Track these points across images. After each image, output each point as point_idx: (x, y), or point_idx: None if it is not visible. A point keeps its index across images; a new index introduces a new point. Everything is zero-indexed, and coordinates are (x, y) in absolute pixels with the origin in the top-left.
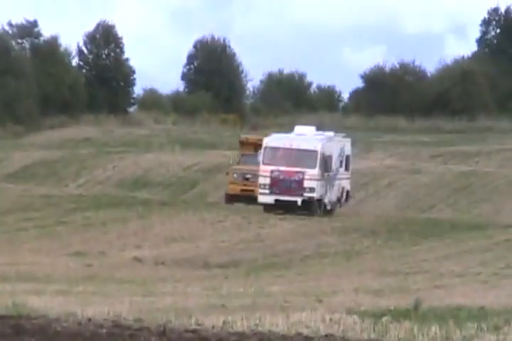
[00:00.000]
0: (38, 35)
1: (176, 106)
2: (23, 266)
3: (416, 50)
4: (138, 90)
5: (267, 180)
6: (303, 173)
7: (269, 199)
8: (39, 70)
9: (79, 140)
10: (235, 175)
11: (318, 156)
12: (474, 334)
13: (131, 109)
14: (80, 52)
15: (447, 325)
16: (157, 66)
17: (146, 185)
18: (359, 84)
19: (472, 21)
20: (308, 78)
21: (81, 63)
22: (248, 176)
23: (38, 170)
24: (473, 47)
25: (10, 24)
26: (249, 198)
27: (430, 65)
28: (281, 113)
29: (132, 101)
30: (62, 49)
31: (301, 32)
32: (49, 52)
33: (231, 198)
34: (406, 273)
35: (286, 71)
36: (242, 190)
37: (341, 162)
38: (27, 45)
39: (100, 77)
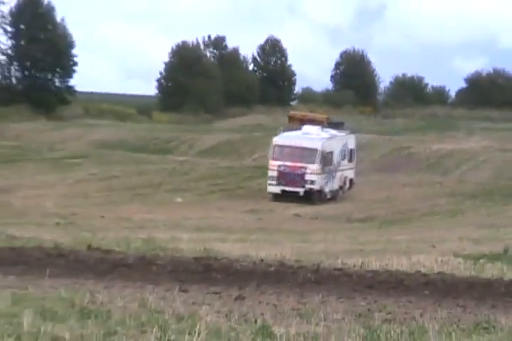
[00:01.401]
0: (225, 47)
1: (326, 100)
2: (211, 220)
3: (508, 60)
4: (298, 88)
5: (275, 173)
6: (305, 168)
7: (277, 189)
8: (224, 73)
9: (253, 125)
10: None
11: (318, 154)
12: None
13: (293, 103)
14: (255, 59)
15: None
16: (312, 70)
17: None
18: (463, 85)
19: None
20: (426, 80)
21: (255, 68)
22: None
23: (222, 148)
24: None
25: (208, 37)
26: None
27: None
28: (405, 106)
29: (293, 96)
30: (241, 57)
31: (422, 45)
32: (232, 59)
33: None
34: (498, 226)
35: (409, 75)
36: None
37: (344, 155)
38: (216, 54)
39: (269, 78)
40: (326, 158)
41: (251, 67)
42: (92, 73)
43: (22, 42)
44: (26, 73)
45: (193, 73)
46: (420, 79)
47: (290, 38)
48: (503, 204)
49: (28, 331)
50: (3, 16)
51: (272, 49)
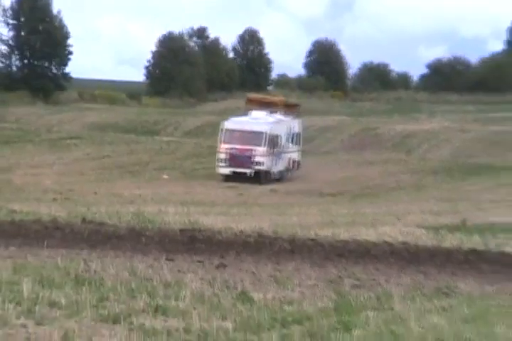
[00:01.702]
0: (207, 37)
1: (299, 86)
2: (195, 195)
3: (467, 48)
4: (274, 75)
5: (225, 156)
6: (253, 150)
7: (227, 170)
8: (206, 61)
9: (233, 109)
10: None
11: (265, 137)
12: (504, 242)
13: (269, 88)
14: (234, 49)
15: (485, 235)
16: (288, 58)
17: None
18: (426, 71)
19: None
20: (391, 67)
21: (235, 56)
22: None
23: (205, 129)
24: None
25: (191, 29)
26: None
27: (475, 59)
28: (372, 91)
29: (270, 82)
30: (222, 46)
31: (388, 35)
32: (213, 48)
33: None
34: (457, 200)
35: (375, 62)
36: None
37: (290, 139)
38: (199, 44)
39: (248, 65)
40: (273, 141)
41: (231, 55)
42: (86, 61)
43: (22, 33)
44: (26, 62)
45: (178, 61)
46: (386, 66)
47: (268, 29)
48: (461, 180)
49: (27, 297)
50: (4, 10)
51: (251, 39)
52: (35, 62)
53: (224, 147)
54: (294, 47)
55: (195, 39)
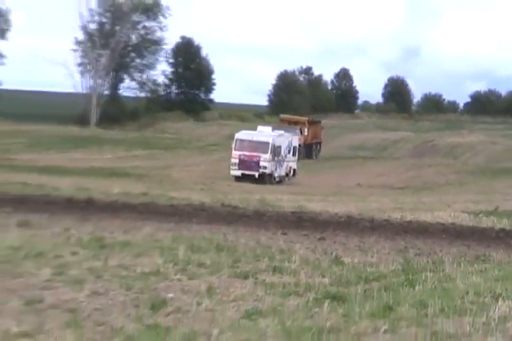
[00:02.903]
0: (312, 73)
1: (377, 110)
2: (302, 187)
3: (499, 83)
4: (360, 102)
5: (237, 161)
6: (259, 157)
7: (238, 173)
8: (311, 91)
9: (330, 126)
10: None
11: (270, 146)
12: None
13: (357, 111)
14: (332, 82)
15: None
16: (370, 89)
17: (361, 148)
18: (468, 99)
19: None
20: (444, 96)
21: (332, 88)
22: None
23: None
24: None
25: (300, 68)
26: None
27: (505, 91)
28: (430, 114)
29: (357, 107)
30: (323, 81)
31: (444, 72)
32: (316, 82)
33: None
34: (490, 193)
35: (433, 93)
36: None
37: (289, 150)
38: (306, 79)
39: (341, 94)
40: (276, 150)
41: (329, 87)
42: (224, 89)
43: (179, 70)
44: (182, 90)
45: (291, 91)
46: (440, 96)
47: (356, 68)
48: (492, 178)
49: (182, 259)
50: (167, 52)
51: (343, 75)
52: (189, 91)
53: (236, 153)
54: (375, 82)
55: (303, 75)
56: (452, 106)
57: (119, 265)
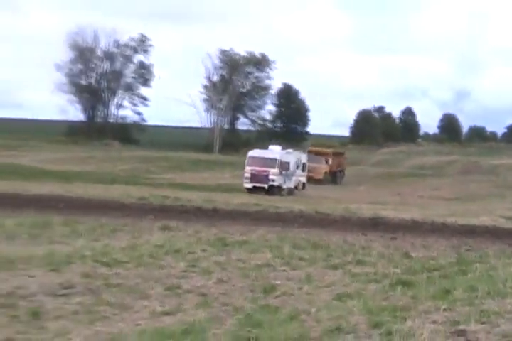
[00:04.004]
0: (384, 111)
1: (434, 139)
2: (377, 198)
3: None
4: (421, 132)
5: (249, 175)
6: (268, 171)
7: (250, 185)
8: (383, 125)
9: (396, 152)
10: None
11: (277, 162)
12: None
13: (419, 140)
14: (400, 118)
15: None
16: (429, 123)
17: (422, 168)
18: (506, 130)
19: None
20: (487, 128)
21: (399, 122)
22: (310, 168)
23: (383, 162)
24: None
25: (374, 107)
26: (311, 180)
27: None
28: (476, 142)
29: (418, 136)
30: (391, 117)
31: (488, 108)
32: (387, 118)
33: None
34: None
35: (478, 125)
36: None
37: (298, 166)
38: (379, 115)
39: (406, 127)
40: (283, 165)
41: (397, 121)
42: (317, 123)
43: (282, 109)
44: (284, 124)
45: (367, 125)
46: (483, 128)
47: (419, 106)
48: None
49: (286, 254)
50: (273, 96)
51: (408, 112)
52: (289, 125)
53: (248, 169)
54: (433, 116)
55: (377, 113)
56: (493, 136)
57: (238, 259)
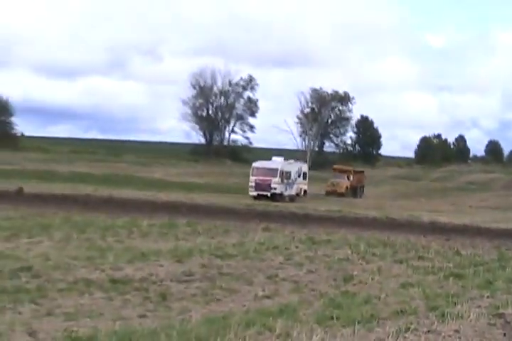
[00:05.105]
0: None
1: (482, 161)
2: (434, 207)
3: None
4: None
5: (253, 184)
6: (270, 180)
7: (254, 193)
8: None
9: (449, 171)
10: (329, 183)
11: (279, 171)
12: None
13: (469, 161)
14: (452, 143)
15: None
16: (473, 147)
17: (471, 184)
18: None
19: None
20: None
21: (453, 147)
22: (334, 183)
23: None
24: None
25: (433, 134)
26: (334, 193)
27: None
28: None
29: (468, 159)
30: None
31: None
32: (440, 145)
33: (327, 193)
34: None
35: None
36: (331, 189)
37: (300, 175)
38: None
39: (461, 152)
40: (285, 175)
41: (451, 146)
42: (387, 147)
43: (360, 135)
44: (361, 148)
45: (428, 149)
46: None
47: (470, 133)
48: None
49: (362, 251)
50: (353, 125)
51: (461, 139)
52: (366, 148)
53: (253, 178)
54: (481, 142)
55: (436, 139)
56: None
57: (324, 254)
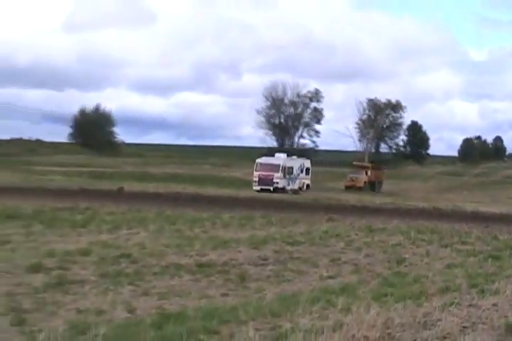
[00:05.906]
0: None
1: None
2: (477, 198)
3: None
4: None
5: (257, 179)
6: (273, 175)
7: (258, 188)
8: None
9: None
10: (348, 178)
11: (281, 167)
12: None
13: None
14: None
15: None
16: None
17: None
18: None
19: None
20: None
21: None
22: (353, 178)
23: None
24: None
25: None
26: (353, 187)
27: None
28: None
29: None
30: None
31: None
32: None
33: (347, 187)
34: None
35: None
36: (350, 184)
37: (302, 170)
38: None
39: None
40: (287, 170)
41: (490, 146)
42: (434, 148)
43: (410, 138)
44: (412, 149)
45: (469, 149)
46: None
47: (507, 135)
48: None
49: (413, 237)
50: (404, 130)
51: (498, 139)
52: (416, 149)
53: (256, 174)
54: None
55: (476, 140)
56: None
57: (379, 240)
